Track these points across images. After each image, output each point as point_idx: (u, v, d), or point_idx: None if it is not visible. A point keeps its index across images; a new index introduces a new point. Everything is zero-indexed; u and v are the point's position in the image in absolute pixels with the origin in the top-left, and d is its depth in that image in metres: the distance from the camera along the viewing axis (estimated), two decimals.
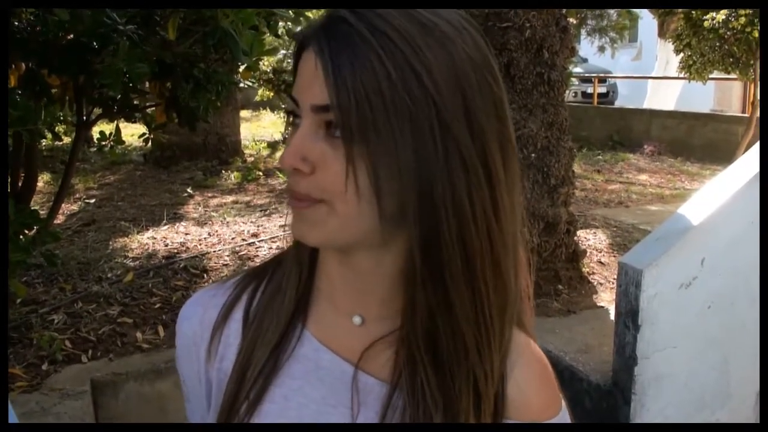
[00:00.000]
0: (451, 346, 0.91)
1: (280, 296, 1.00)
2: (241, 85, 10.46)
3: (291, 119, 0.91)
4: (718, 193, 3.16)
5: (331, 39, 0.83)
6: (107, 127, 3.81)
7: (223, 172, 10.10)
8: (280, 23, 3.45)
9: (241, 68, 3.52)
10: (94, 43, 2.81)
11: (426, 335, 0.91)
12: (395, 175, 0.83)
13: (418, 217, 0.85)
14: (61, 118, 4.12)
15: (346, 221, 0.86)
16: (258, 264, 1.09)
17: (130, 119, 3.68)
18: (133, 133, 5.42)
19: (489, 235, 0.89)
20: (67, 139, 7.79)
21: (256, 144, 13.45)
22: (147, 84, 3.48)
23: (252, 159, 11.53)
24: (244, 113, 16.72)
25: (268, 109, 19.00)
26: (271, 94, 13.91)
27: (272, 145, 13.46)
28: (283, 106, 15.10)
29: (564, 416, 1.05)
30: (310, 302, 1.01)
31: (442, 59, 0.84)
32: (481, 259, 0.89)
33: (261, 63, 11.81)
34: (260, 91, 14.25)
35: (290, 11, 3.21)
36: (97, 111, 3.65)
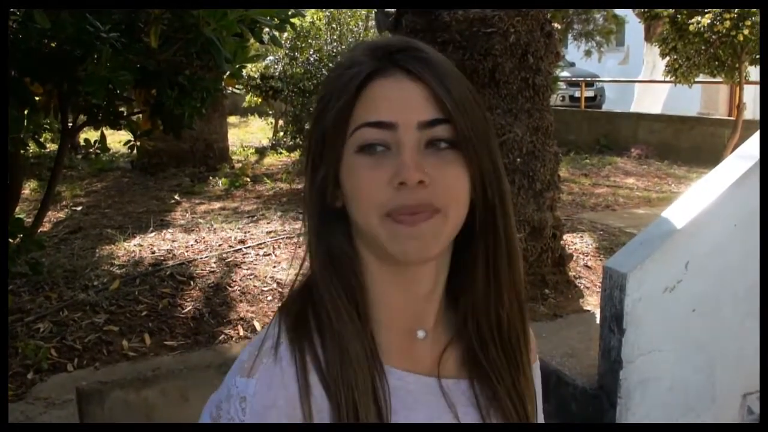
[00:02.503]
0: (513, 323, 1.09)
1: (351, 346, 1.00)
2: (228, 91, 10.48)
3: (361, 148, 0.97)
4: (701, 197, 3.18)
5: (420, 61, 0.98)
6: (93, 135, 3.79)
7: (211, 178, 10.07)
8: (265, 30, 3.45)
9: (226, 75, 3.51)
10: (77, 51, 2.80)
11: (496, 320, 1.08)
12: (487, 177, 1.01)
13: (502, 216, 1.04)
14: (47, 126, 4.10)
15: (455, 226, 1.00)
16: (285, 306, 1.07)
17: (115, 126, 3.67)
18: (120, 140, 5.40)
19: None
20: (53, 147, 7.77)
21: (244, 150, 13.42)
22: (134, 91, 3.47)
23: (240, 165, 11.50)
24: (231, 119, 16.70)
25: (256, 115, 18.96)
26: (259, 100, 13.90)
27: (260, 151, 13.44)
28: (270, 112, 15.10)
29: (537, 363, 1.23)
30: (374, 338, 1.04)
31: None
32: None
33: (249, 69, 11.79)
34: (248, 98, 14.25)
35: (275, 18, 3.20)
36: (83, 118, 3.64)
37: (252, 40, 3.43)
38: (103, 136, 3.67)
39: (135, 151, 4.11)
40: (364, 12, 11.72)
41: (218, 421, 1.00)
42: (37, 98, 3.11)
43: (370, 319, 1.04)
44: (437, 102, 0.96)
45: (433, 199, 0.95)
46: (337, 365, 0.99)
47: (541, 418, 1.22)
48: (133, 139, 3.76)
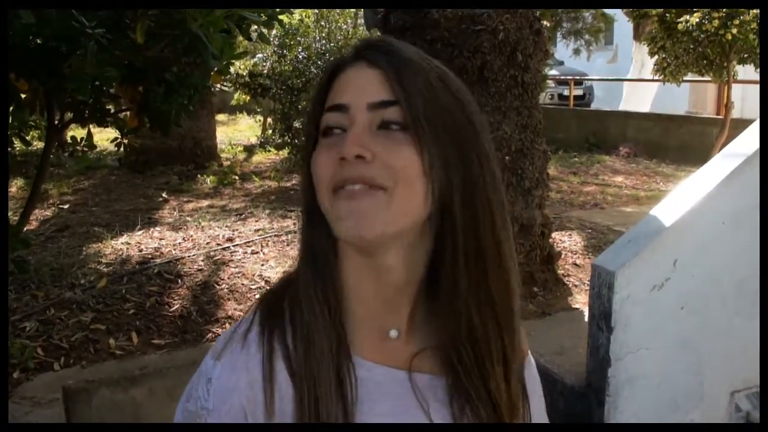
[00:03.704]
0: (485, 332, 1.05)
1: (319, 338, 1.02)
2: (216, 88, 10.44)
3: (321, 131, 1.02)
4: (690, 195, 3.17)
5: (383, 53, 1.01)
6: (80, 132, 3.77)
7: (199, 176, 10.05)
8: (253, 26, 3.43)
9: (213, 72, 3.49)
10: (63, 47, 2.77)
11: (468, 330, 1.04)
12: (443, 163, 0.98)
13: (461, 203, 1.00)
14: (33, 123, 4.07)
15: (404, 208, 0.97)
16: (264, 297, 1.11)
17: (102, 124, 3.64)
18: (107, 137, 5.38)
19: (504, 225, 1.08)
20: (40, 144, 7.73)
21: (232, 148, 13.40)
22: (120, 88, 3.45)
23: (228, 163, 11.48)
24: (220, 117, 16.66)
25: (245, 113, 18.93)
26: (248, 97, 13.86)
27: (249, 149, 13.41)
28: (258, 110, 15.07)
29: (531, 357, 1.23)
30: (346, 329, 1.05)
31: (451, 75, 1.06)
32: (508, 245, 1.07)
33: (238, 66, 11.75)
34: (237, 95, 14.19)
35: (263, 15, 3.19)
36: (69, 116, 3.61)
37: (240, 37, 3.41)
38: (89, 134, 3.64)
39: (122, 149, 4.09)
40: (352, 9, 11.69)
41: (189, 400, 1.04)
42: (22, 95, 3.08)
43: (345, 313, 1.05)
44: (390, 86, 0.99)
45: (379, 175, 0.96)
46: (302, 356, 1.01)
47: (539, 418, 1.22)
48: (120, 136, 3.73)
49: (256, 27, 3.37)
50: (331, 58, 10.78)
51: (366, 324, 1.06)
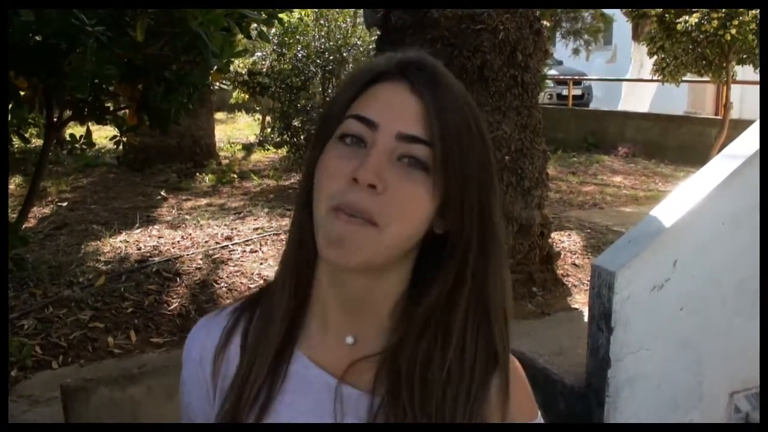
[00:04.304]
0: (455, 364, 1.01)
1: (274, 321, 1.06)
2: (215, 87, 10.42)
3: (341, 138, 0.98)
4: (690, 195, 3.17)
5: (429, 80, 0.98)
6: (79, 130, 3.76)
7: (198, 174, 10.03)
8: (253, 25, 3.42)
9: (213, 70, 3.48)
10: (63, 45, 2.76)
11: (424, 355, 1.01)
12: (458, 206, 0.98)
13: (477, 242, 1.00)
14: (32, 120, 4.06)
15: (392, 244, 0.96)
16: (253, 291, 1.18)
17: (101, 122, 3.63)
18: (106, 135, 5.37)
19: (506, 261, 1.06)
20: (39, 142, 7.72)
21: (231, 146, 13.38)
22: (119, 86, 3.44)
23: (227, 161, 11.46)
24: (219, 115, 16.64)
25: (244, 111, 18.92)
26: (247, 96, 13.85)
27: (247, 148, 13.40)
28: (257, 108, 15.05)
29: (540, 419, 1.18)
30: (301, 325, 1.08)
31: (477, 110, 1.03)
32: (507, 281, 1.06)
33: (237, 64, 11.74)
34: (235, 93, 14.18)
35: (263, 13, 3.18)
36: (68, 113, 3.60)
37: (239, 35, 3.40)
38: (88, 132, 3.63)
39: (121, 147, 4.09)
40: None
41: None
42: (21, 93, 3.07)
43: (310, 308, 1.08)
44: (428, 123, 0.96)
45: (380, 211, 0.93)
46: (257, 336, 1.07)
47: None
48: (119, 134, 3.73)
49: (255, 25, 3.36)
50: (330, 57, 10.85)
51: (327, 324, 1.07)
